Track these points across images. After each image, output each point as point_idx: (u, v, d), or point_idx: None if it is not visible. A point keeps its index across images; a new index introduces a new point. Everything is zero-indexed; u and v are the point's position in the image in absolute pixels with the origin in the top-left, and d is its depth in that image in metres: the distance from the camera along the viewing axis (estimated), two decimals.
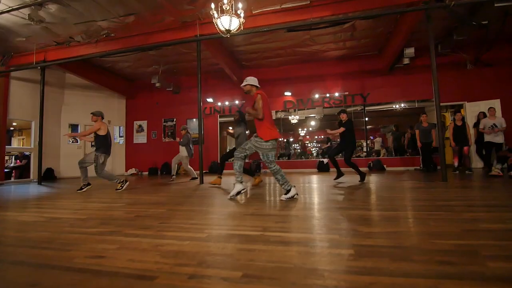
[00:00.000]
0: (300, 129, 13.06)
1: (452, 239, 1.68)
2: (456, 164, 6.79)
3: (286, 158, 10.99)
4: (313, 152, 12.84)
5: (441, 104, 6.53)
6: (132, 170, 10.70)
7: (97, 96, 10.55)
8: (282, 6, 6.03)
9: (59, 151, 9.76)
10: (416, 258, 1.40)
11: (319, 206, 2.93)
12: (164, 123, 10.94)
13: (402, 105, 9.35)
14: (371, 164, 8.80)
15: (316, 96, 9.60)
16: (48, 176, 8.97)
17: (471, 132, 7.02)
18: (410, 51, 7.58)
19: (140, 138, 11.11)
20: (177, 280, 1.24)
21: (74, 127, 10.24)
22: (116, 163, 10.80)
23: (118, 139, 11.14)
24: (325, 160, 9.15)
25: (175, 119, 10.84)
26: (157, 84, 9.47)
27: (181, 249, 1.64)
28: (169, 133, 10.85)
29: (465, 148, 6.63)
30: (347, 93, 9.39)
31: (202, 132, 9.95)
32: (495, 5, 5.23)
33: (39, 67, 7.70)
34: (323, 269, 1.31)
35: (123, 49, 7.30)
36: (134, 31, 7.00)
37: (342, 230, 1.98)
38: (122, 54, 8.23)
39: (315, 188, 4.52)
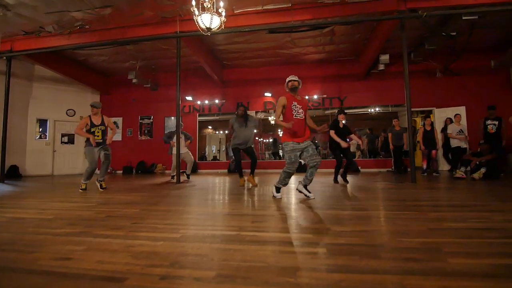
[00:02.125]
0: (279, 130, 13.17)
1: (418, 237, 1.77)
2: (424, 166, 7.16)
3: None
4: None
5: (412, 109, 6.88)
6: None
7: (69, 90, 10.03)
8: (264, 7, 6.07)
9: (25, 147, 9.16)
10: (384, 256, 1.46)
11: (295, 206, 2.98)
12: (141, 121, 10.62)
13: (377, 109, 9.72)
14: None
15: None
16: (12, 174, 8.39)
17: (439, 136, 7.44)
18: (385, 57, 7.90)
19: (115, 136, 10.67)
20: (148, 282, 1.21)
21: (42, 122, 9.67)
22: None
23: (75, 132, 10.63)
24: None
25: (152, 117, 10.55)
26: (134, 80, 9.17)
27: (154, 250, 1.61)
28: (146, 131, 10.54)
29: (433, 151, 7.03)
30: (325, 95, 9.62)
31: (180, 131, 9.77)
32: (463, 18, 5.58)
33: (4, 57, 7.20)
34: (296, 267, 1.34)
35: (99, 42, 6.99)
36: (111, 24, 6.73)
37: (315, 229, 2.03)
38: (97, 48, 7.90)
39: (292, 188, 4.59)
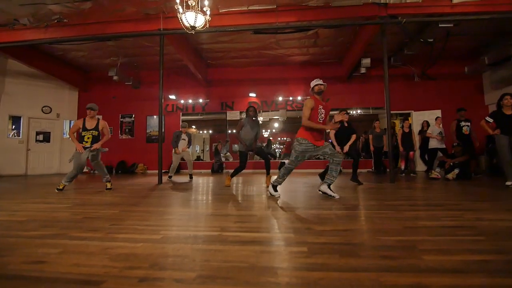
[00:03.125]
0: (263, 130, 13.22)
1: (394, 235, 1.84)
2: (402, 167, 7.42)
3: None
4: (276, 153, 13.08)
5: (392, 112, 7.11)
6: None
7: (45, 86, 9.59)
8: (249, 8, 6.07)
9: None
10: (362, 254, 1.50)
11: (278, 206, 3.00)
12: (122, 119, 10.32)
13: (359, 111, 9.98)
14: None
15: (280, 98, 9.83)
16: None
17: (416, 138, 7.73)
18: (366, 61, 8.12)
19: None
20: (126, 284, 1.18)
21: (15, 119, 9.19)
22: (64, 160, 9.92)
23: (67, 135, 10.23)
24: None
25: (133, 115, 10.29)
26: (115, 77, 8.90)
27: (133, 252, 1.57)
28: (127, 130, 10.26)
29: (411, 153, 7.30)
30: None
31: (163, 130, 9.59)
32: (440, 25, 5.85)
33: None
34: (277, 266, 1.35)
35: (77, 37, 6.74)
36: (91, 19, 6.50)
37: (297, 228, 2.05)
38: (76, 43, 7.62)
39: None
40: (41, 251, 1.61)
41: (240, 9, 6.10)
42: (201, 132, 13.41)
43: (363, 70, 8.52)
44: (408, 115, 9.35)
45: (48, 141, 9.76)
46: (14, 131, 9.17)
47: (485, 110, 8.55)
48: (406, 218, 2.33)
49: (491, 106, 8.46)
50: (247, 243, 1.71)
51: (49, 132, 9.81)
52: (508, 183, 4.27)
